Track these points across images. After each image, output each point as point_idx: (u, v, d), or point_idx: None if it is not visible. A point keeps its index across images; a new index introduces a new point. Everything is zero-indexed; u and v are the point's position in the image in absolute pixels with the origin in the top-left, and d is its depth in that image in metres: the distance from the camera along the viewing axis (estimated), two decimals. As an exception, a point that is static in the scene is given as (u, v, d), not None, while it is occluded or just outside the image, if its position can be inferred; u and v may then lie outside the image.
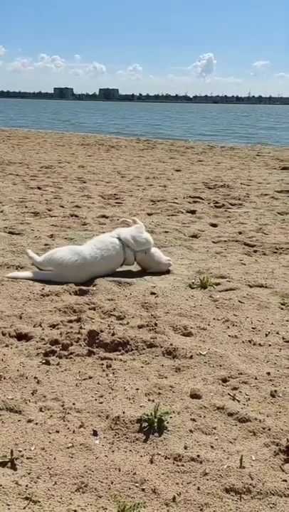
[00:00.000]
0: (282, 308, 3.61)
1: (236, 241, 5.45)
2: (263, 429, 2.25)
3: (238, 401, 2.47)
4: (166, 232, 5.71)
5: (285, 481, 1.95)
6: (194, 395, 2.49)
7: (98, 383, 2.58)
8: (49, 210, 6.62)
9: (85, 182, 9.03)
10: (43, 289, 3.73)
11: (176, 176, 10.20)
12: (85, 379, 2.62)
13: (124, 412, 2.31)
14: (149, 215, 6.64)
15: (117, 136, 21.62)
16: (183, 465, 2.02)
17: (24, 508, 1.77)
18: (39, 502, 1.80)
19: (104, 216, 6.38)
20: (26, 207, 6.75)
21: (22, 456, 2.02)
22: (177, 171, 10.93)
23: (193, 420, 2.31)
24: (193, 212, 6.94)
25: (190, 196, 7.92)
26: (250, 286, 4.03)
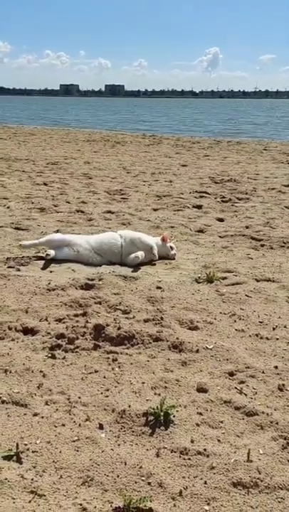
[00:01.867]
0: (289, 302, 3.58)
1: (243, 235, 5.41)
2: (271, 422, 2.23)
3: (246, 395, 2.45)
4: (172, 227, 5.68)
5: (293, 474, 1.93)
6: (201, 389, 2.47)
7: (104, 377, 2.57)
8: (55, 206, 6.61)
9: (90, 178, 9.01)
10: (49, 283, 3.72)
11: (182, 171, 10.16)
12: (90, 373, 2.60)
13: (130, 406, 2.29)
14: (155, 210, 6.62)
15: (122, 132, 21.56)
16: (189, 459, 2.00)
17: (29, 501, 1.76)
18: (44, 496, 1.79)
19: (110, 212, 6.36)
20: (32, 203, 6.74)
21: (28, 449, 2.01)
22: (183, 166, 10.89)
23: (200, 414, 2.29)
24: (199, 207, 6.90)
25: (196, 191, 7.88)
26: (257, 281, 4.00)
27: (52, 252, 4.28)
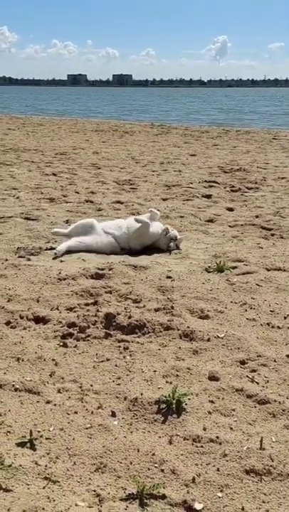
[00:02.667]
0: (300, 291, 3.57)
1: (253, 225, 5.39)
2: (283, 411, 2.23)
3: (257, 383, 2.45)
4: (182, 216, 5.67)
5: (306, 462, 1.93)
6: (212, 377, 2.48)
7: (116, 365, 2.58)
8: (64, 196, 6.61)
9: (99, 168, 9.00)
10: (59, 273, 3.73)
11: (191, 160, 10.11)
12: (102, 361, 2.61)
13: (142, 394, 2.30)
14: (164, 200, 6.60)
15: (131, 122, 21.49)
16: (202, 446, 2.01)
17: (44, 487, 1.78)
18: (58, 482, 1.81)
19: (119, 202, 6.35)
20: (42, 193, 6.75)
21: (41, 436, 2.03)
22: (192, 155, 10.84)
23: (212, 402, 2.29)
24: (208, 196, 6.87)
25: (205, 181, 7.84)
26: (268, 270, 3.99)
27: (62, 248, 4.28)
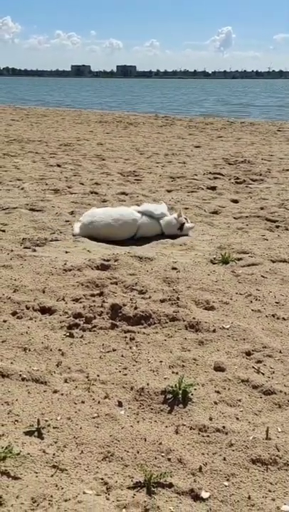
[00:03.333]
0: (305, 283, 3.57)
1: (258, 216, 5.39)
2: (289, 401, 2.24)
3: (263, 374, 2.46)
4: (187, 208, 5.66)
5: (312, 452, 1.94)
6: (218, 368, 2.49)
7: (122, 356, 2.59)
8: (69, 188, 6.61)
9: (104, 159, 8.98)
10: (65, 264, 3.74)
11: (195, 152, 10.08)
12: (108, 351, 2.63)
13: (148, 384, 2.31)
14: (169, 191, 6.59)
15: (135, 114, 21.41)
16: (208, 436, 2.02)
17: (52, 475, 1.79)
18: (66, 470, 1.82)
19: (123, 193, 6.35)
20: (46, 184, 6.75)
21: (48, 425, 2.04)
22: (197, 147, 10.81)
23: (218, 392, 2.30)
24: (213, 188, 6.86)
25: (210, 172, 7.83)
26: (273, 261, 3.99)
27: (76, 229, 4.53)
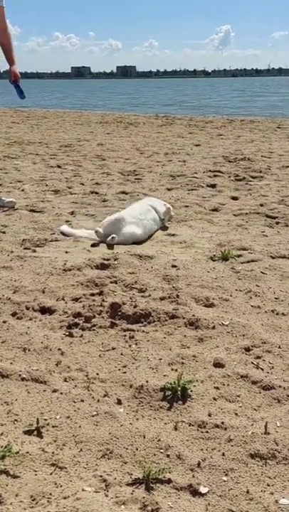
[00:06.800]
0: (305, 279, 3.57)
1: (258, 213, 5.38)
2: (288, 396, 2.24)
3: (262, 369, 2.46)
4: (187, 206, 5.66)
5: (311, 446, 1.94)
6: (217, 364, 2.49)
7: (121, 354, 2.59)
8: (69, 188, 6.62)
9: (104, 159, 8.99)
10: (64, 263, 3.75)
11: (195, 150, 10.08)
12: (108, 350, 2.63)
13: (147, 381, 2.32)
14: (169, 190, 6.60)
15: (135, 114, 21.41)
16: (207, 431, 2.02)
17: (51, 473, 1.80)
18: (65, 468, 1.83)
19: (124, 192, 6.35)
20: (47, 185, 6.76)
21: (48, 424, 2.05)
22: (197, 145, 10.80)
23: (217, 388, 2.31)
24: (213, 186, 6.86)
25: (210, 170, 7.83)
26: (273, 258, 3.99)
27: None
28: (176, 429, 2.05)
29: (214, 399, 2.23)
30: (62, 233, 4.58)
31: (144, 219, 4.51)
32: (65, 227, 4.67)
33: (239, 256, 3.99)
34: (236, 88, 62.89)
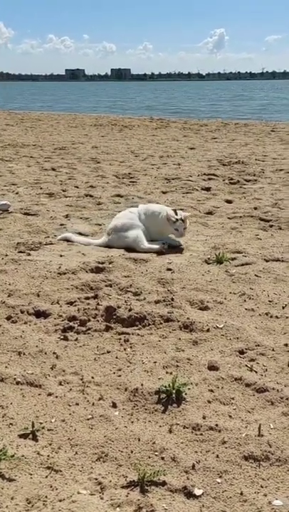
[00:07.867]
0: (299, 281, 3.59)
1: (252, 216, 5.41)
2: (281, 398, 2.26)
3: (256, 372, 2.48)
4: (181, 209, 5.67)
5: (304, 448, 1.96)
6: (212, 367, 2.51)
7: (116, 357, 2.61)
8: (64, 191, 6.63)
9: (98, 162, 9.01)
10: (59, 267, 3.76)
11: (190, 153, 10.12)
12: (103, 353, 2.65)
13: (142, 385, 2.33)
14: (164, 193, 6.62)
15: (130, 116, 21.44)
16: (201, 434, 2.04)
17: (46, 476, 1.81)
18: (61, 471, 1.84)
19: (118, 195, 6.37)
20: (41, 188, 6.77)
21: (43, 428, 2.06)
22: (191, 148, 10.84)
23: (211, 391, 2.32)
24: (208, 189, 6.89)
25: (204, 173, 7.86)
26: (267, 261, 4.01)
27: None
28: (170, 431, 2.06)
29: (208, 401, 2.25)
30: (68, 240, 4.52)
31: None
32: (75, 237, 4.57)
33: (233, 259, 4.02)
34: (233, 91, 63.07)
